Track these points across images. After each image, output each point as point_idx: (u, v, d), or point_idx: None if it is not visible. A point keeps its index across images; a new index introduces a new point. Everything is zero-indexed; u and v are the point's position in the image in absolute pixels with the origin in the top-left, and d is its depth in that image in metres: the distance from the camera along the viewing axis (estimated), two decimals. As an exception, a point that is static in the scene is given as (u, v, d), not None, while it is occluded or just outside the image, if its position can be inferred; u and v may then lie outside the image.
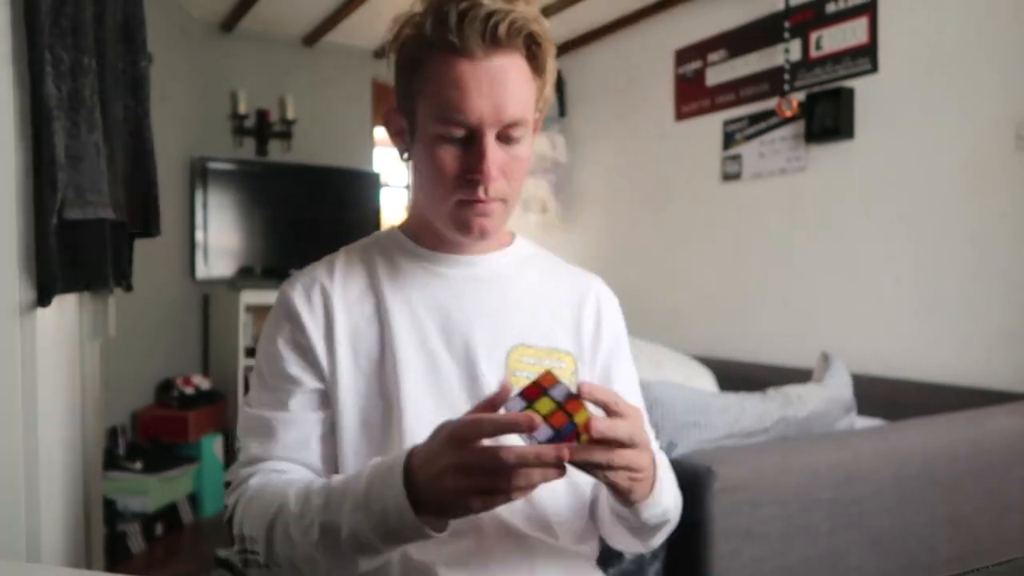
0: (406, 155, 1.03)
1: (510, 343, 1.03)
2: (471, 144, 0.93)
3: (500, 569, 0.97)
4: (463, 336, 1.02)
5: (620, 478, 0.82)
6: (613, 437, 0.77)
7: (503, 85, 0.91)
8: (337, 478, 0.91)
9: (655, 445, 1.09)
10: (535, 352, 1.03)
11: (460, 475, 0.76)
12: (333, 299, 1.03)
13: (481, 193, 0.93)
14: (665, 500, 0.94)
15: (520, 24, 0.90)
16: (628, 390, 1.12)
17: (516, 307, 1.05)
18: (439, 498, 0.79)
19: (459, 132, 0.92)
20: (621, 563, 1.37)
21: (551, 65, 0.97)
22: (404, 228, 1.10)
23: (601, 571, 1.12)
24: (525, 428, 0.74)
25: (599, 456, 0.78)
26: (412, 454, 0.82)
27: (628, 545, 1.07)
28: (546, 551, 1.01)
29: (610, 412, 0.79)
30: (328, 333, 1.02)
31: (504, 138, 0.94)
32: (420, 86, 0.94)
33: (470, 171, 0.93)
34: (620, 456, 0.79)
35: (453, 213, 0.97)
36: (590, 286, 1.13)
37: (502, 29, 0.89)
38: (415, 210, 1.09)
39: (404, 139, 1.02)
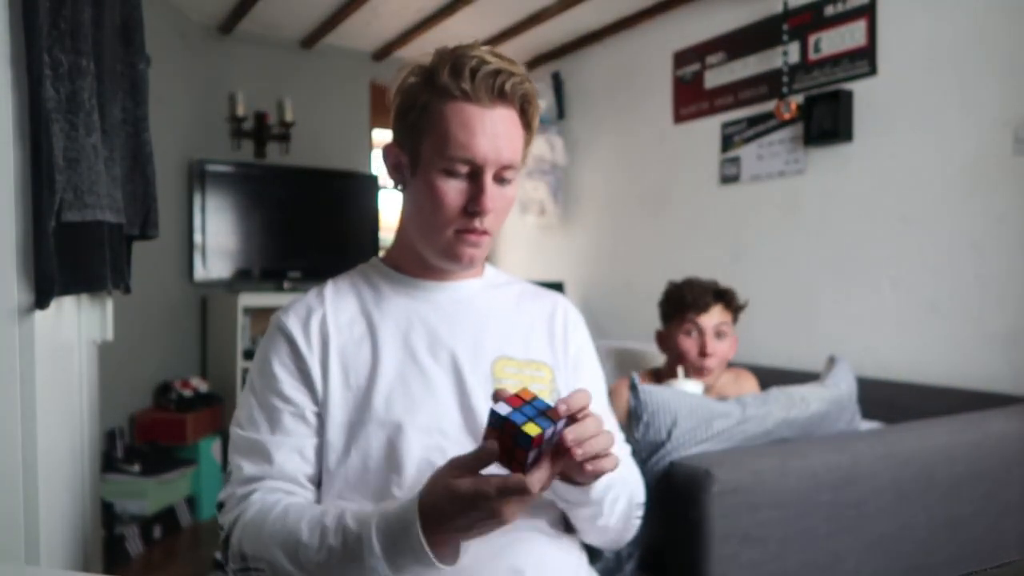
0: (401, 187, 1.13)
1: (492, 356, 1.12)
2: (472, 180, 1.05)
3: (487, 552, 1.01)
4: (449, 350, 1.11)
5: (607, 464, 0.91)
6: (591, 435, 0.88)
7: (504, 131, 1.05)
8: (349, 516, 0.95)
9: (613, 427, 1.20)
10: (516, 363, 1.13)
11: (480, 523, 0.86)
12: (327, 323, 1.11)
13: (477, 224, 1.05)
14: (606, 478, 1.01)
15: (520, 84, 1.05)
16: (592, 388, 1.20)
17: (494, 324, 1.15)
18: (461, 537, 0.89)
19: (463, 168, 1.04)
20: (601, 559, 1.38)
21: (536, 125, 1.12)
22: (387, 259, 1.20)
23: (587, 559, 1.17)
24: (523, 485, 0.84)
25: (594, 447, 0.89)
26: (423, 508, 0.88)
27: (594, 537, 1.14)
28: (532, 535, 1.06)
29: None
30: (323, 356, 1.09)
31: (498, 179, 1.06)
32: (427, 126, 1.05)
33: (471, 203, 1.04)
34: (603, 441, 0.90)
35: (449, 241, 1.08)
36: (556, 303, 1.25)
37: (507, 85, 1.04)
38: (401, 240, 1.18)
39: (403, 173, 1.12)
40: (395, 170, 1.13)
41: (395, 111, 1.11)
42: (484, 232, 1.07)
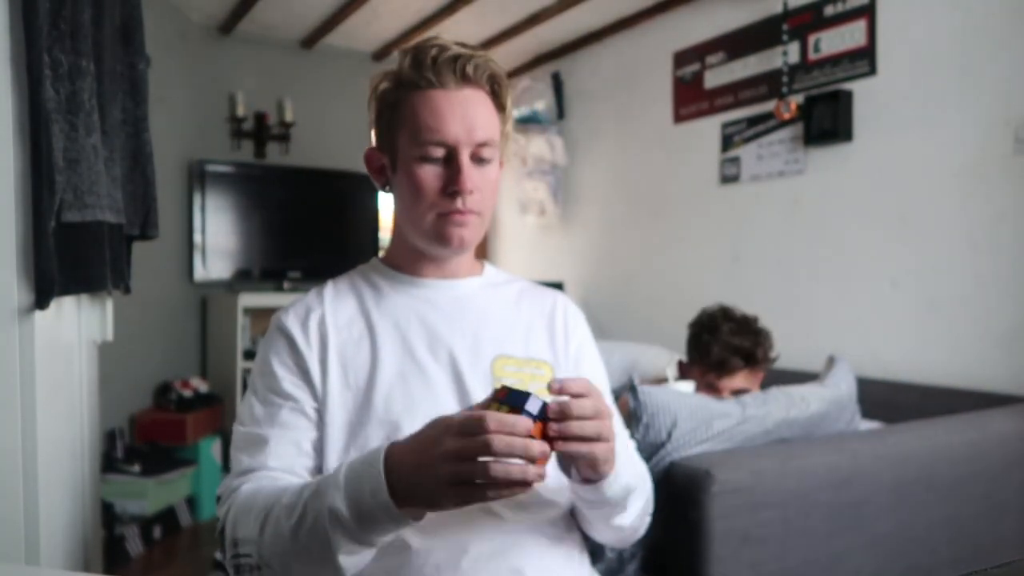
0: (387, 187, 1.15)
1: (492, 354, 1.12)
2: (449, 163, 1.06)
3: (487, 552, 1.01)
4: (448, 349, 1.11)
5: (598, 449, 0.90)
6: (580, 415, 0.86)
7: (473, 110, 1.06)
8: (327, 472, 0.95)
9: (620, 427, 1.19)
10: (516, 362, 1.13)
11: (456, 462, 0.81)
12: (326, 323, 1.12)
13: (459, 204, 1.06)
14: (624, 477, 1.01)
15: (483, 65, 1.07)
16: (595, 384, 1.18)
17: (494, 322, 1.16)
18: (429, 484, 0.83)
19: (438, 152, 1.06)
20: (603, 560, 1.38)
21: (510, 105, 1.13)
22: (386, 259, 1.21)
23: (588, 559, 1.16)
24: (522, 431, 0.81)
25: (576, 430, 0.86)
26: (393, 445, 0.88)
27: (607, 534, 1.13)
28: (533, 536, 1.06)
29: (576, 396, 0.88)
30: (322, 355, 1.09)
31: (476, 159, 1.07)
32: (400, 121, 1.08)
33: (449, 184, 1.05)
34: (592, 426, 0.87)
35: (434, 225, 1.08)
36: (556, 301, 1.25)
37: (469, 68, 1.06)
38: (397, 239, 1.19)
39: (385, 173, 1.14)
40: (379, 172, 1.15)
41: (373, 117, 1.14)
42: (470, 212, 1.07)
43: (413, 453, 0.85)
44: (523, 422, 0.81)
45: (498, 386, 1.07)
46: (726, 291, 3.28)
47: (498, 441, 0.79)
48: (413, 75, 1.06)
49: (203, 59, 4.03)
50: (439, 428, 0.84)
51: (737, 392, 1.86)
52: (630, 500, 1.06)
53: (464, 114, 1.05)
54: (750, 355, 1.87)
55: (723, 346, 1.86)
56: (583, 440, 0.87)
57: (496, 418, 0.80)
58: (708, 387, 1.91)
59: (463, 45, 1.07)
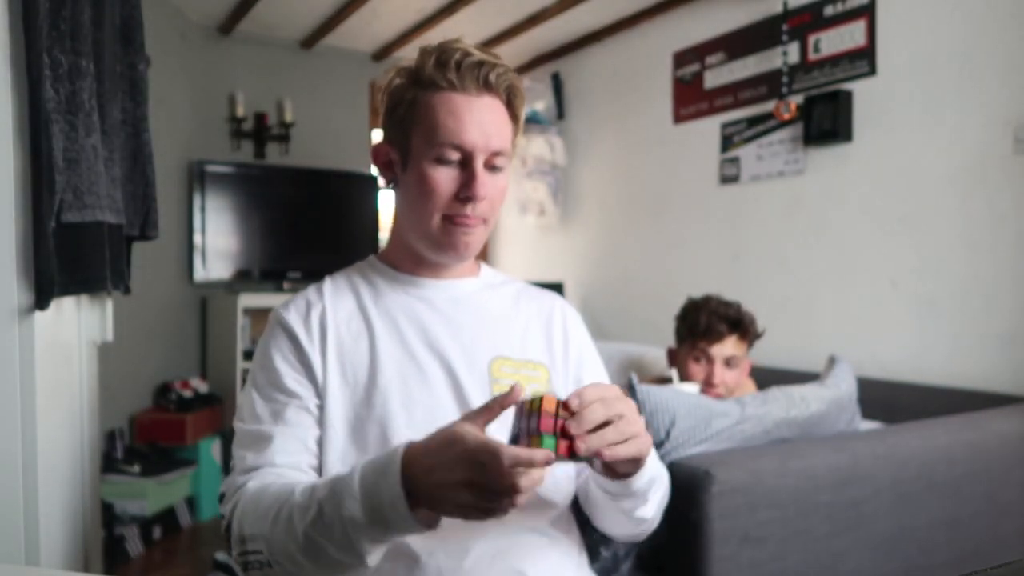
0: (393, 184, 1.14)
1: (489, 355, 1.12)
2: (463, 167, 1.06)
3: (488, 553, 1.01)
4: (446, 349, 1.11)
5: (626, 449, 0.88)
6: (594, 422, 0.86)
7: (491, 118, 1.07)
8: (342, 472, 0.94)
9: None
10: (513, 363, 1.13)
11: (473, 492, 0.81)
12: (326, 318, 1.12)
13: (469, 210, 1.06)
14: (649, 468, 1.02)
15: (504, 75, 1.08)
16: None
17: (491, 324, 1.16)
18: (443, 506, 0.83)
19: (454, 155, 1.05)
20: (599, 559, 1.38)
21: (522, 117, 1.14)
22: (383, 257, 1.21)
23: (587, 559, 1.17)
24: (541, 463, 0.80)
25: (597, 442, 0.85)
26: (410, 451, 0.86)
27: (625, 527, 1.13)
28: (533, 537, 1.06)
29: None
30: (322, 349, 1.09)
31: (489, 166, 1.07)
32: (416, 119, 1.07)
33: (463, 189, 1.06)
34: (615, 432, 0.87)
35: (441, 230, 1.08)
36: (554, 303, 1.25)
37: (492, 76, 1.06)
38: (396, 238, 1.19)
39: (394, 170, 1.14)
40: (386, 168, 1.15)
41: (383, 111, 1.13)
42: (478, 219, 1.07)
43: (430, 470, 0.83)
44: (540, 455, 0.80)
45: (496, 388, 1.08)
46: (726, 291, 3.27)
47: (525, 480, 0.79)
48: (435, 75, 1.05)
49: (203, 59, 4.03)
50: (456, 451, 0.82)
51: (729, 361, 2.01)
52: (651, 491, 1.06)
53: (482, 121, 1.05)
54: (736, 321, 2.02)
55: (710, 314, 2.02)
56: (617, 444, 0.87)
57: (512, 456, 0.79)
58: (699, 359, 2.02)
59: (484, 51, 1.07)
